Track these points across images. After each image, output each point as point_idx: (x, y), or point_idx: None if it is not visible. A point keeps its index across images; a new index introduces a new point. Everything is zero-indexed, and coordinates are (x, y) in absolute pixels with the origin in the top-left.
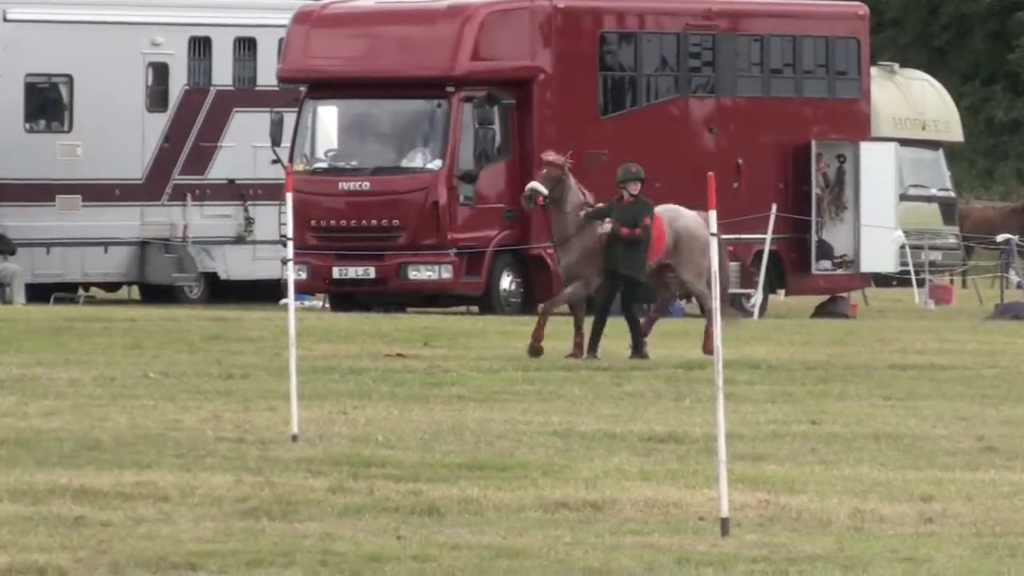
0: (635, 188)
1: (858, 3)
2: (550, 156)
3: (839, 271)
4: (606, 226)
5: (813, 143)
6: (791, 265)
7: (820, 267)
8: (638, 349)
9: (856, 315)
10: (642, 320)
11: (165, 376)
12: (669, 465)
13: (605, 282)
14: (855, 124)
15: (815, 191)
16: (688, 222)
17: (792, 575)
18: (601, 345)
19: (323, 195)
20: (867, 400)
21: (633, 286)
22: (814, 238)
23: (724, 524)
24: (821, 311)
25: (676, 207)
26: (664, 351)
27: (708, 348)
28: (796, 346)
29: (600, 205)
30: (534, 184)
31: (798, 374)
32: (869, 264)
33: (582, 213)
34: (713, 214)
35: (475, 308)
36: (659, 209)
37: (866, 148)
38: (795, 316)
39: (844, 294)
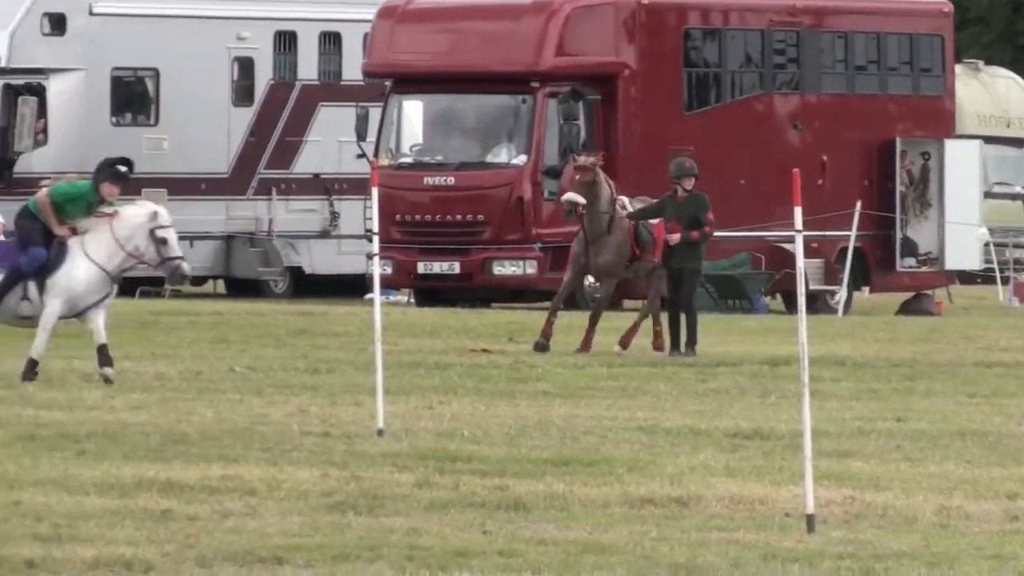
0: (689, 184)
1: (943, 0)
2: (580, 160)
3: (924, 268)
4: (674, 236)
5: (898, 140)
6: (876, 262)
7: (905, 264)
8: (692, 344)
9: (941, 312)
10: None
11: (251, 370)
12: (754, 461)
13: (671, 280)
14: (939, 121)
15: (899, 188)
16: None
17: (878, 572)
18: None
19: (408, 190)
20: (952, 397)
21: (694, 279)
22: (899, 235)
23: (810, 520)
24: (906, 308)
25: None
26: (748, 347)
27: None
28: (881, 343)
29: (652, 202)
30: (571, 196)
31: (883, 371)
32: (953, 261)
33: (625, 212)
34: (798, 210)
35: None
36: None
37: (950, 145)
38: (880, 313)
39: (929, 291)
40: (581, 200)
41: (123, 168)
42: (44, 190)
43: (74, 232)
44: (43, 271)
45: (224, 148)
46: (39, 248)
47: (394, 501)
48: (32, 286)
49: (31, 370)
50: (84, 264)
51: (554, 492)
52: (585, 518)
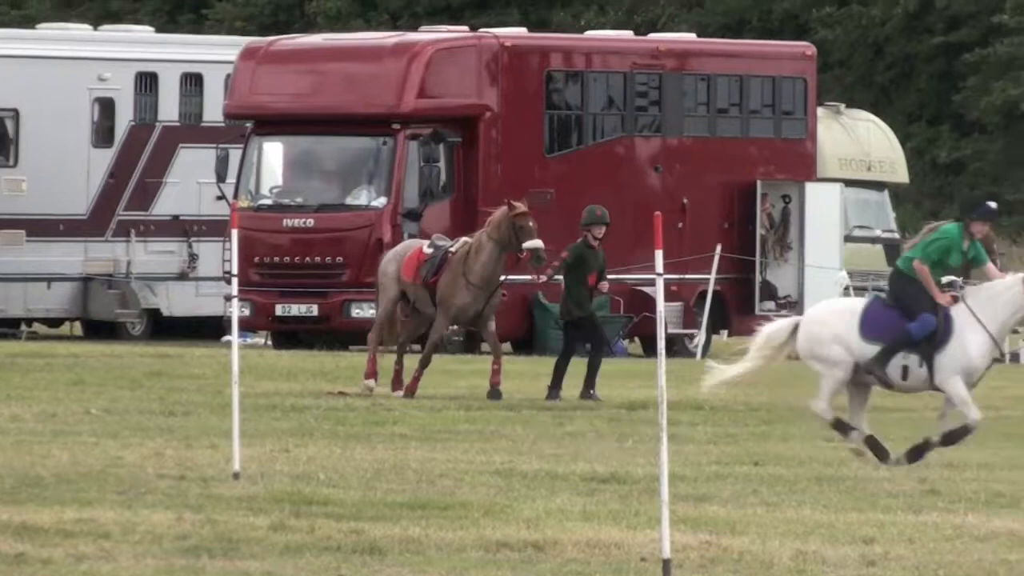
0: (600, 232)
1: (805, 43)
2: (518, 207)
3: (783, 312)
4: (604, 285)
5: (759, 183)
6: (735, 305)
7: (764, 308)
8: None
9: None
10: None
11: (107, 413)
12: (611, 505)
13: (569, 331)
14: (801, 164)
15: (760, 231)
16: None
17: None
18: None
19: (267, 232)
20: (810, 442)
21: (595, 326)
22: (758, 278)
23: (666, 565)
24: None
25: None
26: (606, 391)
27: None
28: (739, 387)
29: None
30: (535, 243)
31: (741, 415)
32: (813, 305)
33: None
34: (659, 254)
35: (417, 347)
36: None
37: (811, 189)
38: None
39: None
40: (541, 244)
41: (993, 204)
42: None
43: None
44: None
45: (83, 189)
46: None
47: (249, 545)
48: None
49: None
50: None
51: (410, 536)
52: (441, 562)
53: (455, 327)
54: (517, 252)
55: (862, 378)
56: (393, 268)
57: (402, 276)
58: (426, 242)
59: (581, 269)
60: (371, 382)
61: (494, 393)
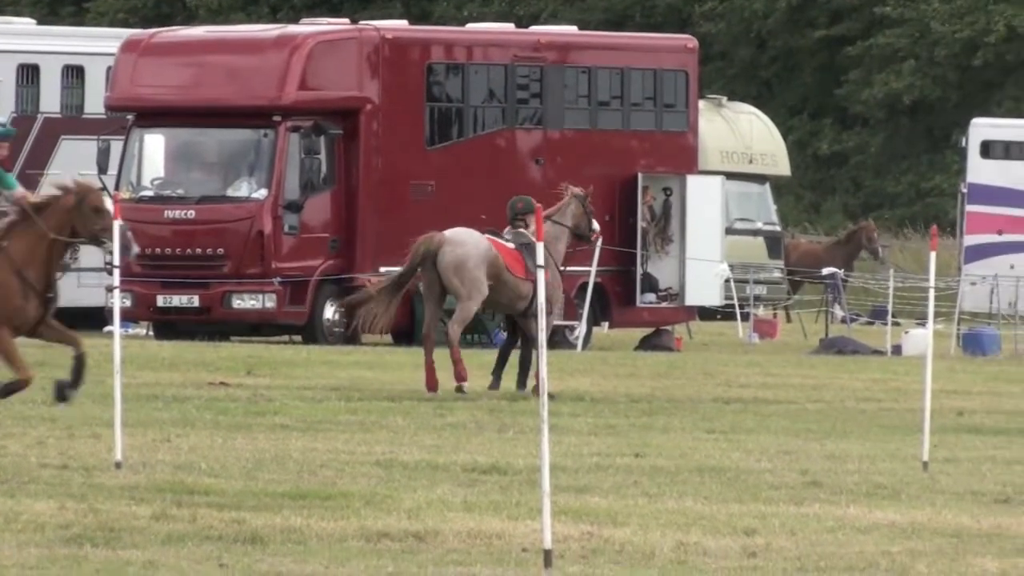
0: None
1: (687, 36)
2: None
3: (664, 304)
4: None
5: (640, 176)
6: (616, 298)
7: (645, 300)
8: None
9: (680, 348)
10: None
11: None
12: (492, 496)
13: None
14: (682, 157)
15: (641, 224)
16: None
17: None
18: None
19: (149, 223)
20: (691, 433)
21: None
22: (639, 271)
23: (547, 556)
24: (645, 344)
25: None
26: (486, 382)
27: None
28: (620, 379)
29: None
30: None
31: (622, 406)
32: (694, 297)
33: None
34: (540, 246)
35: (298, 337)
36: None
37: (693, 181)
38: (619, 349)
39: (668, 327)
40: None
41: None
42: None
43: None
44: None
45: None
46: None
47: (131, 534)
48: None
49: None
50: None
51: (291, 526)
52: (322, 552)
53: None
54: (587, 236)
55: None
56: (483, 270)
57: (509, 273)
58: (484, 237)
59: None
60: (466, 384)
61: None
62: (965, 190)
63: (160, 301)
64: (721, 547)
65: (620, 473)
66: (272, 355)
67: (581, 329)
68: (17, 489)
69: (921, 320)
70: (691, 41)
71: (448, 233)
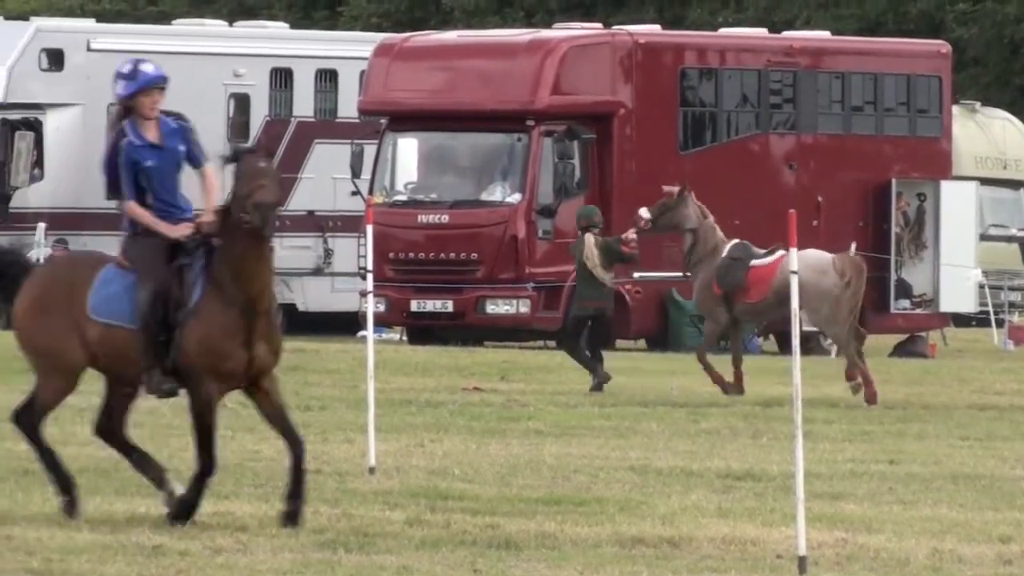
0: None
1: (940, 41)
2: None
3: (918, 310)
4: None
5: (893, 181)
6: (870, 304)
7: (899, 306)
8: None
9: (934, 355)
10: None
11: (243, 406)
12: (746, 503)
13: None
14: (936, 163)
15: (895, 230)
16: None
17: None
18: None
19: (402, 228)
20: (945, 440)
21: (608, 320)
22: (893, 277)
23: (801, 562)
24: (899, 350)
25: (806, 250)
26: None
27: (866, 394)
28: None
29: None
30: (643, 209)
31: (876, 413)
32: (948, 304)
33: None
34: (794, 252)
35: (552, 342)
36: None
37: (946, 187)
38: (873, 355)
39: (922, 333)
40: (647, 215)
41: None
42: None
43: None
44: None
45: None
46: None
47: (385, 539)
48: None
49: None
50: None
51: (545, 531)
52: (576, 557)
53: None
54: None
55: None
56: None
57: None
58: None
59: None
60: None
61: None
62: None
63: (414, 306)
64: (976, 554)
65: (874, 480)
66: (526, 360)
67: None
68: (271, 494)
69: None
70: (944, 47)
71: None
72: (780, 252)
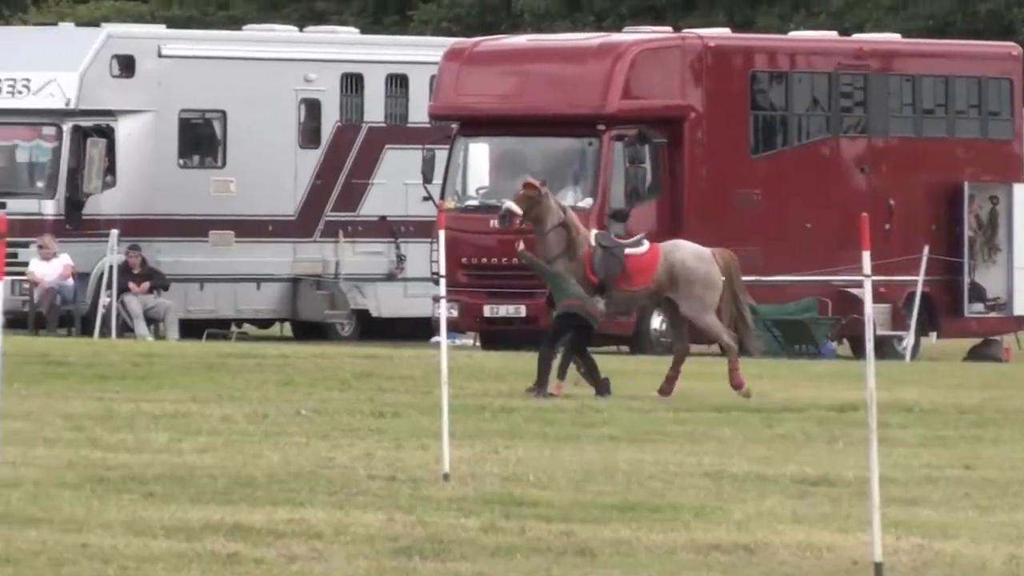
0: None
1: (1011, 43)
2: (527, 179)
3: (992, 314)
4: None
5: (966, 184)
6: (943, 307)
7: (973, 310)
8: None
9: (1009, 358)
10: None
11: (317, 413)
12: (822, 508)
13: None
14: (1008, 165)
15: (967, 233)
16: (684, 255)
17: None
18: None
19: (474, 232)
20: (1021, 445)
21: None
22: (966, 280)
23: (878, 568)
24: (974, 354)
25: (676, 241)
26: (815, 392)
27: (735, 383)
28: (949, 389)
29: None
30: (509, 204)
31: (951, 418)
32: (1022, 307)
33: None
34: (867, 255)
35: (625, 348)
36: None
37: (1019, 189)
38: (948, 359)
39: (997, 337)
40: (518, 210)
41: None
42: None
43: None
44: None
45: (291, 190)
46: None
47: (460, 546)
48: None
49: None
50: None
51: (620, 538)
52: (652, 564)
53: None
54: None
55: None
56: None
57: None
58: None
59: None
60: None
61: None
62: None
63: (487, 311)
64: None
65: (950, 485)
66: (599, 365)
67: (909, 339)
68: (346, 501)
69: None
70: (1015, 48)
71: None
72: (647, 242)
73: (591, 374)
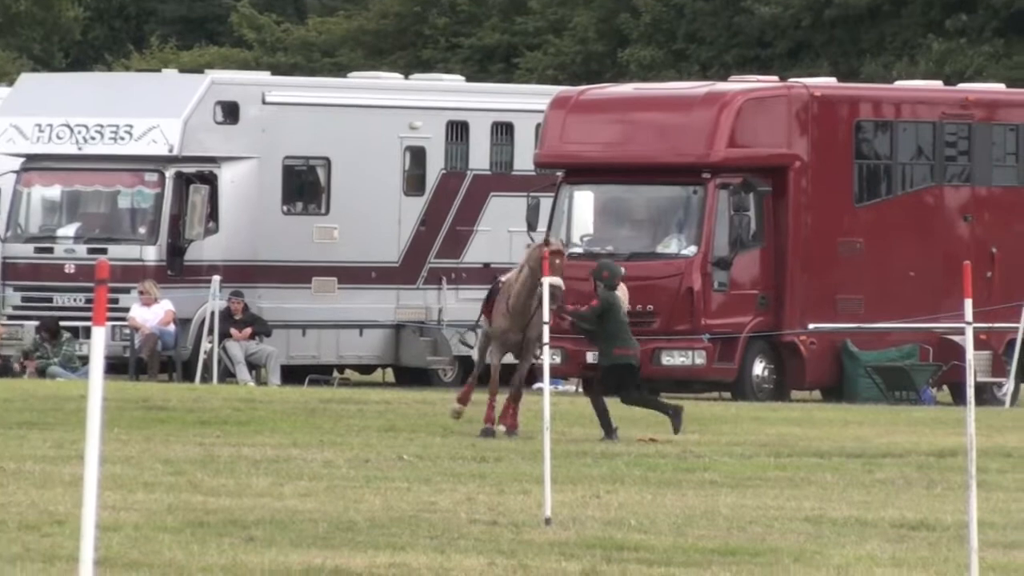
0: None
1: None
2: (553, 244)
3: None
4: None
5: None
6: None
7: None
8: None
9: None
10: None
11: (419, 458)
12: (920, 552)
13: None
14: None
15: None
16: None
17: None
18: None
19: (580, 279)
20: None
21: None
22: None
23: None
24: None
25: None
26: (915, 438)
27: (487, 418)
28: None
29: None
30: (559, 281)
31: None
32: None
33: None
34: (968, 303)
35: (727, 394)
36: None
37: None
38: None
39: None
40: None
41: None
42: None
43: None
44: None
45: (395, 237)
46: None
47: None
48: None
49: None
50: None
51: None
52: None
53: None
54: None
55: None
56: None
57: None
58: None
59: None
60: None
61: (486, 432)
62: None
63: (589, 357)
64: None
65: None
66: (701, 411)
67: (1009, 386)
68: (447, 545)
69: None
70: None
71: None
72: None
73: (603, 416)
